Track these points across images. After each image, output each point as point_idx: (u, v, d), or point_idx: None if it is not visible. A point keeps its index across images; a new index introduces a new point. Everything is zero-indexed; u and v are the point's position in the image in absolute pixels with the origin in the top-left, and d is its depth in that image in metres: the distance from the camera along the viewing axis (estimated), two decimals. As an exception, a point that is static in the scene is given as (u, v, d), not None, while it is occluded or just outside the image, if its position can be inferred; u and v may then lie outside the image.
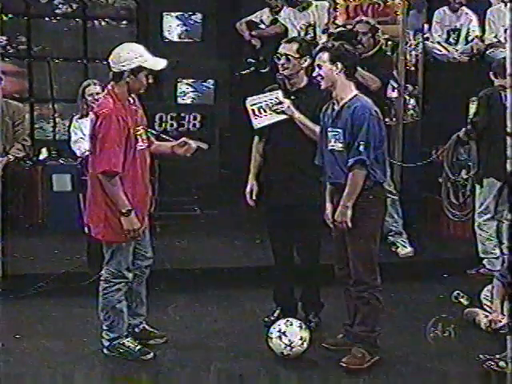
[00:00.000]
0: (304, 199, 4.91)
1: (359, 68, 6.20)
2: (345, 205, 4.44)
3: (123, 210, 4.40)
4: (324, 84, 4.57)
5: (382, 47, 6.54)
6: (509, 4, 3.58)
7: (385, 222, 6.32)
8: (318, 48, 4.76)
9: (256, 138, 5.12)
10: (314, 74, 4.64)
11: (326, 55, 4.55)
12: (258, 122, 4.90)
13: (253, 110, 4.89)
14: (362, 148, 4.41)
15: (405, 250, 6.51)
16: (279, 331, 4.66)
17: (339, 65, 4.52)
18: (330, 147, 4.57)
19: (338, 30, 6.66)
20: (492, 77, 6.02)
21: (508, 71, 3.54)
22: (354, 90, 4.59)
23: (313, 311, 5.21)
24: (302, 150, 4.84)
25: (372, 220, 4.52)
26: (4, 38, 7.50)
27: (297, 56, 4.88)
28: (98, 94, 6.93)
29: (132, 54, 4.43)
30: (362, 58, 6.29)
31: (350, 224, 4.44)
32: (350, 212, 4.43)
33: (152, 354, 4.65)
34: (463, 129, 6.29)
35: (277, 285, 5.24)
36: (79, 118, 7.04)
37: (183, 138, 4.82)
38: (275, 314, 5.16)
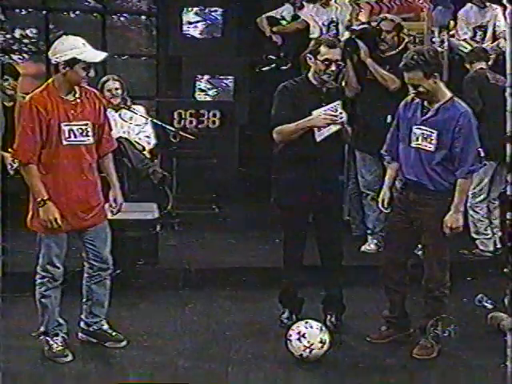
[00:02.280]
0: (330, 199, 4.93)
1: (378, 68, 6.18)
2: (458, 211, 4.56)
3: (38, 199, 4.40)
4: (426, 97, 4.56)
5: (407, 46, 6.44)
6: (509, 7, 3.48)
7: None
8: (402, 65, 4.58)
9: None
10: (411, 92, 4.58)
11: (419, 73, 4.47)
12: (319, 135, 4.82)
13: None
14: (482, 154, 4.57)
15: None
16: (298, 333, 4.59)
17: (434, 76, 4.51)
18: (414, 144, 4.61)
19: (361, 27, 6.55)
20: (468, 66, 6.38)
21: (508, 71, 3.46)
22: (447, 92, 4.62)
23: (335, 313, 5.10)
24: (327, 151, 4.85)
25: None
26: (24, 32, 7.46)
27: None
28: (116, 89, 6.92)
29: (67, 46, 4.40)
30: (385, 57, 6.23)
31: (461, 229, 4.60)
32: (461, 218, 4.58)
33: (69, 358, 4.53)
34: None
35: (287, 285, 5.14)
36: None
37: (111, 195, 4.71)
38: (285, 315, 5.09)
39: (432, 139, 4.54)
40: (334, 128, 4.80)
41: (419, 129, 4.59)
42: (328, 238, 5.00)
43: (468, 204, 6.31)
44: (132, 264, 5.85)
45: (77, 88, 4.49)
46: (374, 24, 6.55)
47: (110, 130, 4.80)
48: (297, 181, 4.90)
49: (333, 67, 4.80)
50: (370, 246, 6.48)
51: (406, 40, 6.48)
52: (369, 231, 6.53)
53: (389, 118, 5.89)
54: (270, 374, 4.50)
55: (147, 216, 5.99)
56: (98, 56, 4.50)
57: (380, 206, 4.87)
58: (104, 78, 7.06)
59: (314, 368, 4.55)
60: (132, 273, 5.81)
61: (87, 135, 4.50)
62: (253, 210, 7.23)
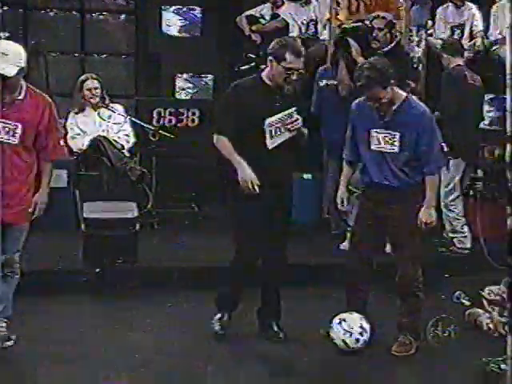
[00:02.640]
0: (280, 206, 4.78)
1: None
2: (431, 206, 4.62)
3: None
4: (386, 107, 4.59)
5: (399, 43, 6.50)
6: (508, 4, 3.52)
7: None
8: (358, 85, 4.63)
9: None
10: (373, 105, 4.60)
11: (379, 89, 4.54)
12: (271, 143, 4.68)
13: (270, 132, 4.68)
14: (445, 149, 4.75)
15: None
16: (339, 319, 4.69)
17: (391, 84, 4.57)
18: (376, 148, 4.63)
19: (353, 25, 6.58)
20: (445, 60, 6.44)
21: (508, 71, 3.51)
22: (401, 92, 4.68)
23: (276, 319, 4.92)
24: (279, 157, 4.70)
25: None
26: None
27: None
28: (96, 88, 6.89)
29: None
30: (377, 54, 6.26)
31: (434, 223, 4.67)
32: (434, 213, 4.64)
33: None
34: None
35: (236, 286, 4.91)
36: (76, 113, 6.98)
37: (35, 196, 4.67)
38: (225, 318, 4.90)
39: (395, 141, 4.58)
40: (287, 135, 4.68)
41: (380, 132, 4.62)
42: (274, 245, 4.82)
43: (442, 203, 6.40)
44: (111, 263, 5.84)
45: (23, 89, 4.48)
46: (366, 22, 6.58)
47: (60, 137, 4.78)
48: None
49: (294, 76, 4.64)
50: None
51: (399, 37, 6.54)
52: (349, 229, 6.55)
53: None
54: (252, 374, 4.50)
55: (126, 215, 5.97)
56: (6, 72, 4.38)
57: (339, 205, 4.88)
58: (83, 77, 7.02)
59: (290, 368, 4.59)
60: (111, 272, 5.80)
61: (13, 135, 4.48)
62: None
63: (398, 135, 4.58)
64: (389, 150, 4.61)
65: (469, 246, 6.54)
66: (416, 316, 4.76)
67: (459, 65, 6.53)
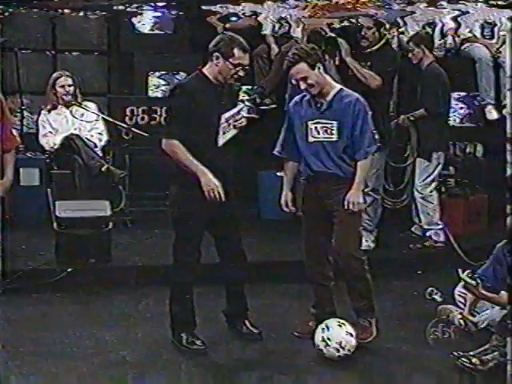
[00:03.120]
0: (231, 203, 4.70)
1: (359, 66, 6.25)
2: (359, 189, 4.73)
3: None
4: (317, 90, 4.69)
5: (388, 41, 6.56)
6: (508, 12, 3.56)
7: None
8: (285, 64, 4.71)
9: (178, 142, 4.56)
10: (302, 87, 4.68)
11: (304, 66, 4.63)
12: (223, 138, 4.62)
13: (223, 128, 4.62)
14: (376, 136, 4.74)
15: (364, 244, 6.36)
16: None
17: (319, 65, 4.68)
18: (314, 139, 4.73)
19: (342, 24, 6.63)
20: (416, 57, 6.55)
21: (508, 73, 3.54)
22: (335, 83, 4.81)
23: (244, 319, 4.86)
24: (229, 154, 4.69)
25: None
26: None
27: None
28: (69, 86, 6.86)
29: None
30: (366, 53, 6.31)
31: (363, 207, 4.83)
32: (362, 196, 4.76)
33: None
34: (402, 116, 6.69)
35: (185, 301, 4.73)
36: (48, 111, 6.94)
37: None
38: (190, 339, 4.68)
39: (333, 130, 4.70)
40: (234, 132, 4.63)
41: (318, 123, 4.73)
42: (229, 242, 4.77)
43: (419, 195, 6.59)
44: (84, 262, 5.83)
45: None
46: (352, 21, 6.63)
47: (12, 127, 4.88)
48: (196, 186, 4.53)
49: (241, 73, 4.57)
50: None
51: (387, 36, 6.59)
52: None
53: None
54: (219, 372, 4.51)
55: (99, 213, 5.97)
56: None
57: (284, 207, 4.88)
58: (56, 74, 7.00)
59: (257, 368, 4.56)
60: (84, 271, 5.78)
61: None
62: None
63: (335, 123, 4.70)
64: (328, 140, 4.71)
65: (443, 239, 6.63)
66: (369, 297, 4.84)
67: (431, 62, 6.64)
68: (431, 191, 6.61)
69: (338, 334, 4.55)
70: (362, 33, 6.37)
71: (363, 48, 6.41)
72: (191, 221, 4.60)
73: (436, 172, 6.63)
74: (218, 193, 4.49)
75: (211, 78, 4.57)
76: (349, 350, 4.55)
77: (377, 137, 4.77)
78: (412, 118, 6.64)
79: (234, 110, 4.62)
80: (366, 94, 6.09)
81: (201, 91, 4.54)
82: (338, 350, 4.53)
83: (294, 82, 4.77)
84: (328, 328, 4.58)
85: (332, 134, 4.71)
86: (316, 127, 4.73)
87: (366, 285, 4.83)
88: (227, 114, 4.59)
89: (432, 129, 6.59)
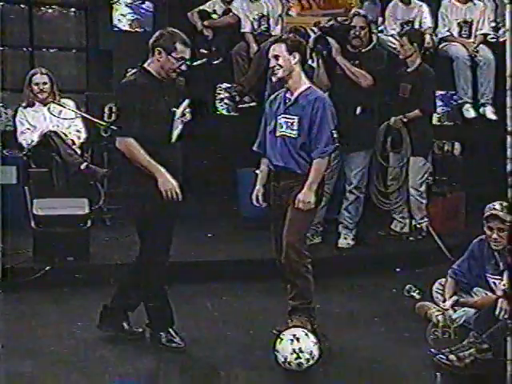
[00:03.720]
0: None
1: (350, 65, 6.28)
2: (311, 189, 4.72)
3: None
4: (281, 74, 4.79)
5: (378, 41, 6.65)
6: (508, 6, 3.60)
7: (340, 214, 6.55)
8: (271, 39, 4.77)
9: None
10: (271, 65, 4.78)
11: (283, 46, 4.74)
12: (174, 135, 4.57)
13: (176, 124, 4.58)
14: (335, 135, 4.74)
15: (344, 241, 6.56)
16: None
17: (296, 55, 4.77)
18: (279, 133, 4.78)
19: (330, 23, 6.62)
20: (405, 54, 6.67)
21: (508, 72, 3.57)
22: (306, 81, 4.85)
23: (167, 327, 4.73)
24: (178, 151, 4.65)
25: None
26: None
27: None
28: (44, 83, 6.81)
29: None
30: (355, 52, 6.35)
31: (312, 206, 4.73)
32: (313, 196, 4.72)
33: None
34: (393, 118, 6.68)
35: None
36: (24, 108, 6.89)
37: None
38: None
39: (294, 125, 4.76)
40: (180, 127, 4.60)
41: (283, 117, 4.80)
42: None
43: (416, 192, 6.73)
44: (62, 260, 5.81)
45: None
46: (340, 19, 6.64)
47: None
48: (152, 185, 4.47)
49: (183, 67, 4.55)
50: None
51: (376, 36, 6.65)
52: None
53: (358, 109, 6.13)
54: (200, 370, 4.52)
55: (78, 211, 5.95)
56: None
57: (254, 202, 4.93)
58: (32, 71, 6.94)
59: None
60: (62, 269, 5.76)
61: None
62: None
63: (296, 119, 4.76)
64: (289, 135, 4.77)
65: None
66: (308, 297, 4.82)
67: (421, 63, 6.73)
68: (425, 187, 6.78)
69: (307, 344, 4.39)
70: (356, 32, 6.38)
71: (355, 47, 6.42)
72: (154, 219, 4.53)
73: (430, 168, 6.82)
74: (176, 193, 4.46)
75: (154, 74, 4.54)
76: (316, 359, 4.41)
77: (335, 136, 4.74)
78: (405, 120, 6.66)
79: (184, 105, 4.63)
80: (354, 93, 6.20)
81: (147, 87, 4.48)
82: (308, 360, 4.37)
83: (269, 59, 4.78)
84: (298, 339, 4.39)
85: (293, 130, 4.77)
86: (282, 121, 4.80)
87: (305, 284, 4.79)
88: (180, 110, 4.58)
89: (426, 127, 6.74)
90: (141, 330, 4.81)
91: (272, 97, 4.97)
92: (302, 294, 4.80)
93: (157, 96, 4.50)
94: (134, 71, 4.64)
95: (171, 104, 4.56)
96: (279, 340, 4.43)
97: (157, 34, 4.60)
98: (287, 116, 4.78)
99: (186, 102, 4.66)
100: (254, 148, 5.02)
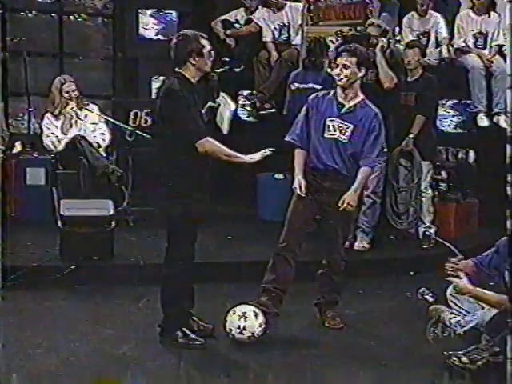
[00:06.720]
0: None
1: (384, 61, 6.51)
2: (356, 192, 4.98)
3: None
4: (345, 83, 4.98)
5: (392, 51, 6.82)
6: (509, 5, 3.69)
7: (358, 218, 6.61)
8: (341, 48, 5.08)
9: None
10: (336, 72, 4.98)
11: (354, 60, 4.98)
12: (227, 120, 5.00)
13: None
14: (385, 150, 5.19)
15: (360, 245, 6.65)
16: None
17: (363, 70, 5.02)
18: (328, 135, 5.00)
19: (352, 32, 6.75)
20: (414, 61, 6.68)
21: (508, 72, 3.65)
22: (360, 93, 5.08)
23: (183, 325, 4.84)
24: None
25: None
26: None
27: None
28: (73, 91, 7.02)
29: None
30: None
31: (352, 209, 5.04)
32: (357, 199, 5.04)
33: None
34: (404, 141, 6.68)
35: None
36: (52, 114, 7.06)
37: None
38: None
39: (347, 132, 5.00)
40: (229, 115, 5.01)
41: (335, 121, 5.01)
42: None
43: (428, 196, 6.85)
44: (87, 260, 5.91)
45: None
46: (359, 29, 6.75)
47: None
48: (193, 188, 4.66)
49: (212, 57, 4.75)
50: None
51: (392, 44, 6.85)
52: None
53: None
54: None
55: (102, 212, 6.04)
56: None
57: (298, 191, 5.02)
58: (60, 80, 7.07)
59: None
60: (87, 268, 5.86)
61: None
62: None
63: (351, 127, 4.98)
64: (340, 139, 4.99)
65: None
66: (340, 291, 5.23)
67: (424, 72, 6.82)
68: (431, 190, 6.89)
69: (253, 325, 4.73)
70: (370, 41, 6.51)
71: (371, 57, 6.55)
72: (184, 220, 4.67)
73: (433, 174, 6.95)
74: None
75: (190, 78, 4.64)
76: (257, 338, 4.74)
77: (385, 151, 5.16)
78: (414, 135, 6.63)
79: (222, 96, 4.98)
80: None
81: (186, 91, 4.58)
82: (250, 338, 4.74)
83: (330, 70, 5.14)
84: (245, 318, 4.73)
85: (344, 136, 4.98)
86: (334, 125, 4.99)
87: (343, 279, 5.19)
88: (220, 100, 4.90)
89: (430, 132, 6.81)
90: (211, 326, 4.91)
91: (318, 94, 5.13)
92: (337, 288, 5.18)
93: (192, 99, 4.61)
94: (172, 78, 4.68)
95: (201, 106, 4.77)
96: (232, 312, 4.77)
97: (178, 42, 4.65)
98: (341, 122, 4.99)
99: (222, 94, 4.94)
100: (287, 138, 5.15)
